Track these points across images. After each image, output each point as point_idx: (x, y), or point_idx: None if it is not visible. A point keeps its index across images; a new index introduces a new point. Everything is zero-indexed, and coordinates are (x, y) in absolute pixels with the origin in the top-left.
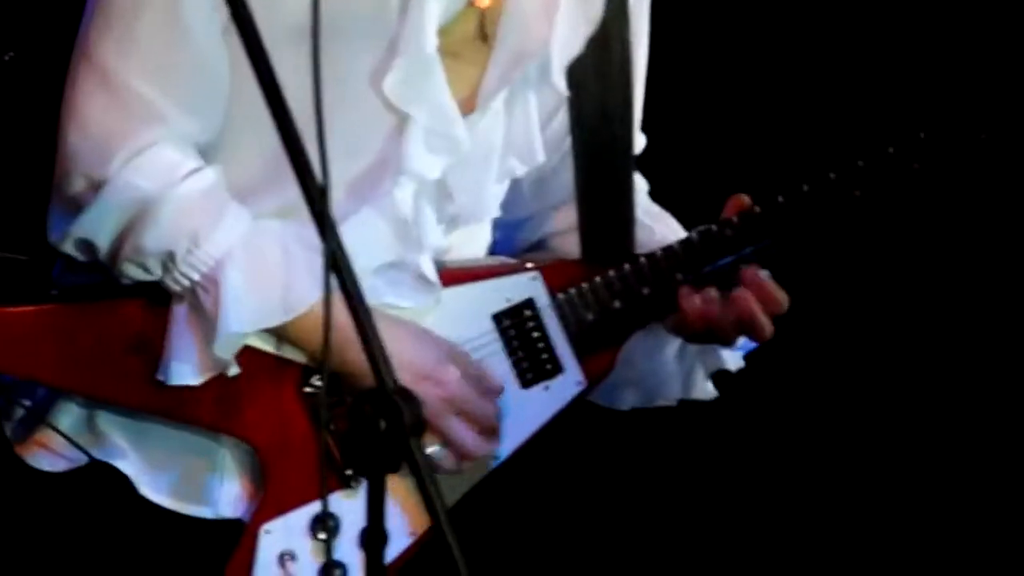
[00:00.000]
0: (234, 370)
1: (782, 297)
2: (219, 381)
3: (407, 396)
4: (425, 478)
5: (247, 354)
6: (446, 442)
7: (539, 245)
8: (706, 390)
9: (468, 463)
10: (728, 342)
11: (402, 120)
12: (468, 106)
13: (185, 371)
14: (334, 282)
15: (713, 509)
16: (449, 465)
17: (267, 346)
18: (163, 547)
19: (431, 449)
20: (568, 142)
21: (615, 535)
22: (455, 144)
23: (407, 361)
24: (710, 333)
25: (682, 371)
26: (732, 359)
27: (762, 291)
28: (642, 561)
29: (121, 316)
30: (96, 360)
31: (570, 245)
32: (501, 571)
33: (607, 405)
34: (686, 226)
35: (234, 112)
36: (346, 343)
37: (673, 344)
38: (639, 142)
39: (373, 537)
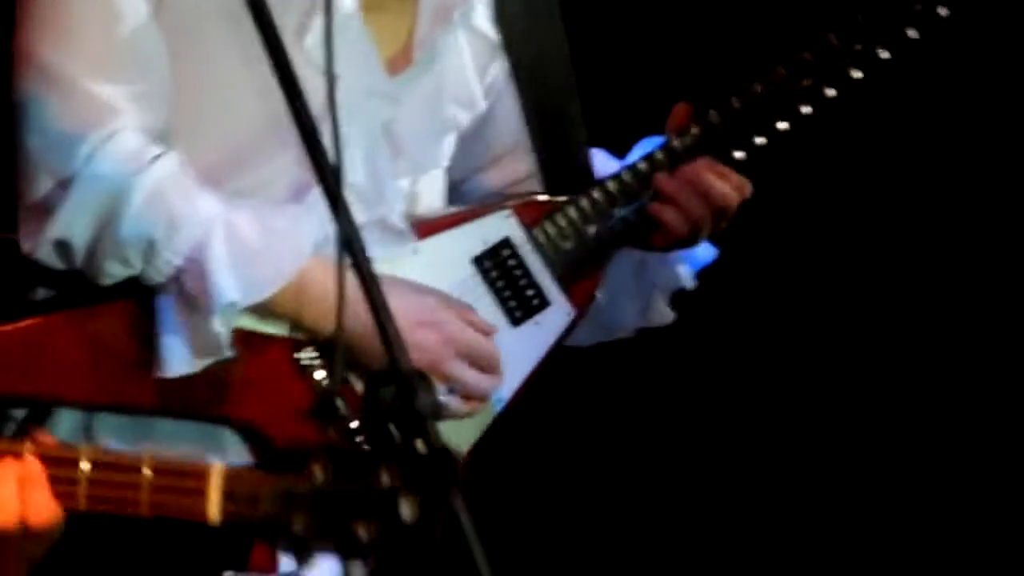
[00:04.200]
0: (228, 352)
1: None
2: (212, 370)
3: (422, 378)
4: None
5: (234, 337)
6: (452, 386)
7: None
8: (664, 314)
9: (476, 405)
10: (707, 227)
11: (330, 81)
12: (405, 59)
13: (181, 360)
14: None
15: (713, 509)
16: (457, 408)
17: (250, 324)
18: (178, 553)
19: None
20: (512, 87)
21: (613, 533)
22: (382, 102)
23: (403, 309)
24: (687, 223)
25: (641, 297)
26: (686, 275)
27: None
28: (641, 560)
29: (105, 320)
30: (88, 368)
31: (540, 186)
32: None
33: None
34: None
35: (186, 99)
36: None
37: (628, 270)
38: None
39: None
